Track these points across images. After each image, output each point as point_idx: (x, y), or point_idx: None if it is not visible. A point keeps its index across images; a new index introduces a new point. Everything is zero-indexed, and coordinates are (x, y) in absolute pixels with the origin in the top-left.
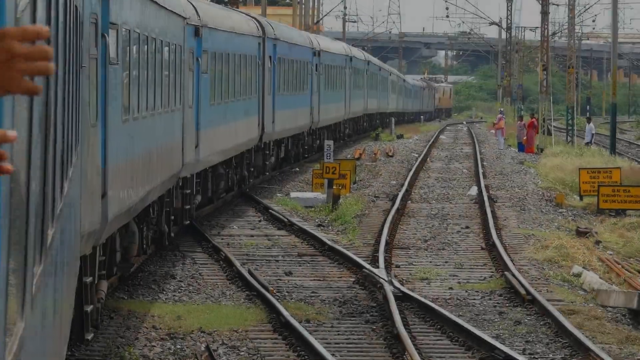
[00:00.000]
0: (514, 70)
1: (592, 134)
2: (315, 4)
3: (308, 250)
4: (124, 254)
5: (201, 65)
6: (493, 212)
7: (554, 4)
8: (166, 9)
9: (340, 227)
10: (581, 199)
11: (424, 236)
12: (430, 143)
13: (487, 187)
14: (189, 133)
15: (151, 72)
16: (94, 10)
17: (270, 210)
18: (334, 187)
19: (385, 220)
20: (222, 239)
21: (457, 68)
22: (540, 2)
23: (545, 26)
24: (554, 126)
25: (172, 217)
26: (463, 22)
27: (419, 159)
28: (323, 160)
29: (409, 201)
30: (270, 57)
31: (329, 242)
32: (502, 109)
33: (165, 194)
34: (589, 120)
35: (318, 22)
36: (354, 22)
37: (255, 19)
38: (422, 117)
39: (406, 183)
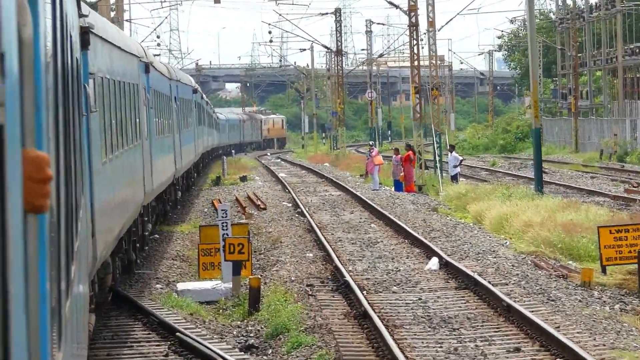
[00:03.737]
0: (342, 97)
1: (457, 165)
2: None
3: None
4: (100, 285)
5: (149, 101)
6: (519, 311)
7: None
8: (126, 51)
9: (301, 356)
10: (604, 271)
11: None
12: (283, 185)
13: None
14: (147, 164)
15: (119, 112)
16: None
17: (177, 334)
18: (243, 273)
19: (376, 339)
20: None
21: (245, 100)
22: (408, 14)
23: (415, 44)
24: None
25: (138, 245)
26: (277, 48)
27: (306, 211)
28: (212, 227)
29: (363, 291)
30: (175, 97)
31: None
32: (372, 142)
33: (132, 224)
34: (452, 148)
35: None
36: (158, 55)
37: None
38: (233, 151)
39: (335, 258)
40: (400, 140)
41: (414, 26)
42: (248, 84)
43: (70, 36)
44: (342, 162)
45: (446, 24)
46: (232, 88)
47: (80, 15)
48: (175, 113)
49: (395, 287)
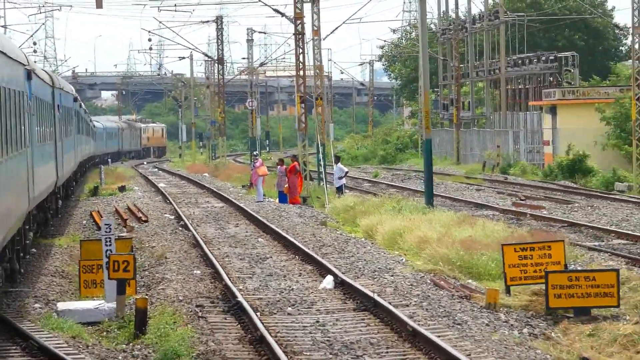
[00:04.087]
0: (219, 104)
1: (342, 177)
2: None
3: None
4: None
5: (31, 108)
6: (428, 338)
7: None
8: (12, 58)
9: None
10: (508, 291)
11: None
12: (164, 196)
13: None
14: (30, 171)
15: (4, 119)
16: None
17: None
18: (127, 291)
19: None
20: None
21: (122, 108)
22: (294, 22)
23: (301, 52)
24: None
25: (22, 254)
26: (156, 56)
27: (190, 224)
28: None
29: (257, 313)
30: (58, 105)
31: None
32: (257, 152)
33: (16, 232)
34: (337, 159)
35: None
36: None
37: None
38: (109, 160)
39: (224, 275)
40: (279, 150)
41: (300, 34)
42: (124, 92)
43: None
44: (222, 172)
45: (331, 32)
46: (108, 96)
47: None
48: (57, 121)
49: (290, 308)
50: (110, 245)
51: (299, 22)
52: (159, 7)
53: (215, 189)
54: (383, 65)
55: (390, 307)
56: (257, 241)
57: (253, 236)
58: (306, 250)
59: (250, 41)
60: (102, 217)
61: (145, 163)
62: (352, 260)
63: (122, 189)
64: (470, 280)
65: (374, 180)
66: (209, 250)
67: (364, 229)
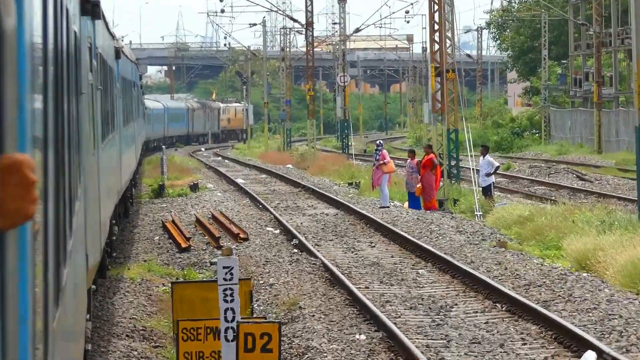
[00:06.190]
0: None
1: (490, 173)
2: None
3: None
4: None
5: (119, 90)
6: None
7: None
8: (109, 32)
9: None
10: None
11: None
12: (252, 198)
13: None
14: (118, 157)
15: (106, 97)
16: (89, 33)
17: None
18: None
19: None
20: None
21: (170, 86)
22: None
23: (436, 10)
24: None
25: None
26: (222, 24)
27: (309, 244)
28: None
29: None
30: (134, 83)
31: None
32: (380, 141)
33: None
34: (485, 150)
35: None
36: None
37: None
38: (163, 146)
39: (409, 344)
40: (358, 135)
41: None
42: (175, 68)
43: (67, 10)
44: (312, 163)
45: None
46: (153, 72)
47: None
48: (135, 101)
49: None
50: (232, 301)
51: None
52: None
53: (314, 187)
54: (491, 33)
55: None
56: (417, 273)
57: (406, 263)
58: (510, 294)
59: (342, 1)
60: (180, 231)
61: (203, 149)
62: (599, 316)
63: (194, 187)
64: None
65: (507, 174)
66: (364, 296)
67: (575, 257)
